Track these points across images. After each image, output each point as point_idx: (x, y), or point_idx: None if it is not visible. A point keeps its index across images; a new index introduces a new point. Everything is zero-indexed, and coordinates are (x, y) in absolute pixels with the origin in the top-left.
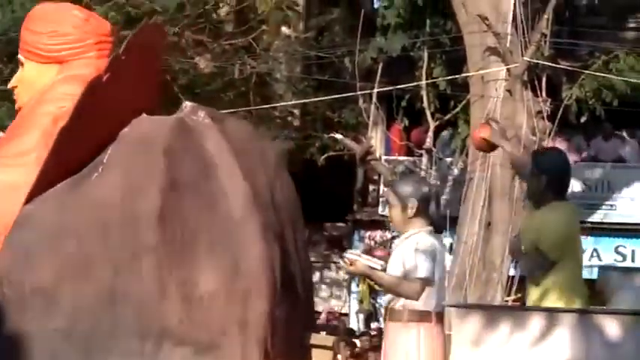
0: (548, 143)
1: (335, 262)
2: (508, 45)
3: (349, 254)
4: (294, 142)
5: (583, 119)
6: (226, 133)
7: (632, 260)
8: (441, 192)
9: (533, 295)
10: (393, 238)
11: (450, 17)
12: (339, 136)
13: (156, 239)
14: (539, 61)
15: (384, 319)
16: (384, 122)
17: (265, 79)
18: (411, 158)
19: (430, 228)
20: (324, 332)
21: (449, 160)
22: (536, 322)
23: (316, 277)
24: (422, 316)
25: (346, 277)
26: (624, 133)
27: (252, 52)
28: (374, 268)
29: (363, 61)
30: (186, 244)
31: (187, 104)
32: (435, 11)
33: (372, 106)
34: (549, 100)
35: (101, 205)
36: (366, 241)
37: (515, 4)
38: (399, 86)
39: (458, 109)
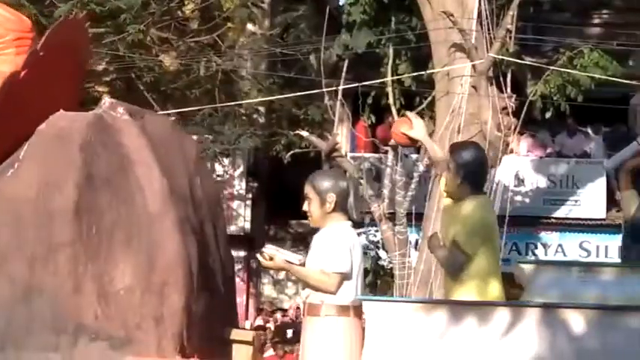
0: (513, 139)
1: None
2: (473, 41)
3: (267, 249)
4: (259, 140)
5: (548, 115)
6: (145, 129)
7: (597, 255)
8: (407, 188)
9: (450, 288)
10: (358, 234)
11: (415, 14)
12: (304, 133)
13: (71, 234)
14: (504, 57)
15: (303, 314)
16: (350, 119)
17: (231, 77)
18: (376, 155)
19: (349, 222)
20: (292, 330)
21: (414, 156)
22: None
23: (282, 274)
24: (340, 310)
25: None
26: (589, 129)
27: (218, 49)
28: (292, 262)
29: (329, 58)
30: (102, 239)
31: (106, 100)
32: (400, 8)
33: (338, 103)
34: (514, 96)
35: (16, 201)
36: None
37: (480, 0)
38: (364, 83)
39: (423, 106)
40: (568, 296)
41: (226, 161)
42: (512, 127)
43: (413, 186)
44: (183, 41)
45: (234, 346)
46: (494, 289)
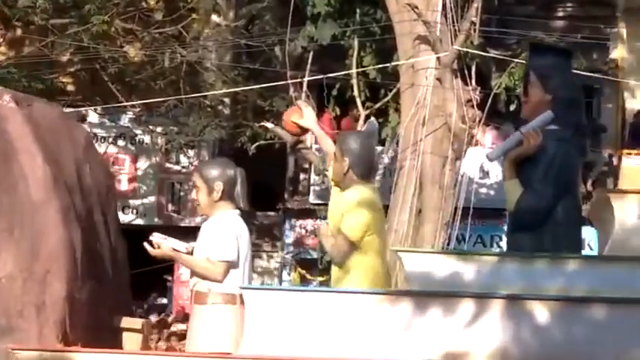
0: (477, 131)
1: (267, 252)
2: (438, 34)
3: (155, 237)
4: (224, 131)
5: (512, 107)
6: (32, 117)
7: None
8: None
9: (336, 276)
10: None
11: (379, 6)
12: (269, 124)
13: None
14: (468, 50)
15: (190, 302)
16: (315, 111)
17: (195, 68)
18: None
19: (237, 211)
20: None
21: (379, 148)
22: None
23: None
24: (227, 298)
25: (277, 265)
26: None
27: (182, 40)
28: (179, 251)
29: (294, 49)
30: None
31: None
32: (365, 0)
33: (303, 95)
34: (479, 88)
35: None
36: (297, 229)
37: None
38: (329, 75)
39: (388, 98)
40: (443, 284)
41: (191, 153)
42: (477, 120)
43: (377, 178)
44: (147, 32)
45: (124, 334)
46: (380, 278)
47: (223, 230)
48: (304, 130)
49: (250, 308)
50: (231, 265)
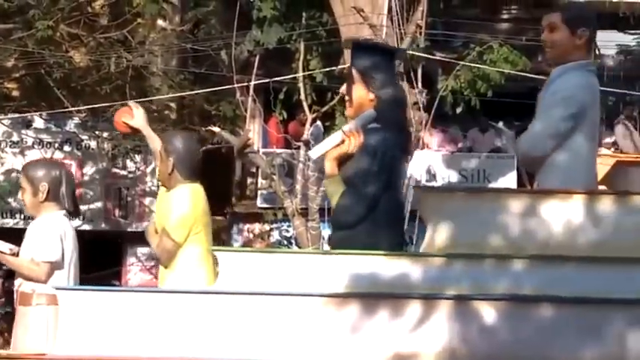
0: (424, 134)
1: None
2: (384, 37)
3: None
4: None
5: (459, 110)
6: None
7: None
8: (319, 184)
9: (162, 276)
10: (271, 230)
11: (326, 9)
12: (216, 129)
13: None
14: (414, 53)
15: (15, 303)
16: (262, 115)
17: (141, 73)
18: (288, 150)
19: (63, 211)
20: None
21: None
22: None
23: None
24: (50, 299)
25: None
26: (501, 124)
27: (128, 45)
28: (3, 252)
29: (240, 53)
30: None
31: None
32: (310, 4)
33: (250, 99)
34: (425, 91)
35: None
36: (245, 233)
37: None
38: (275, 79)
39: (335, 101)
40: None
41: (138, 158)
42: (424, 122)
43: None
44: (93, 37)
45: None
46: (204, 277)
47: (47, 231)
48: (135, 130)
49: (64, 308)
50: (55, 265)
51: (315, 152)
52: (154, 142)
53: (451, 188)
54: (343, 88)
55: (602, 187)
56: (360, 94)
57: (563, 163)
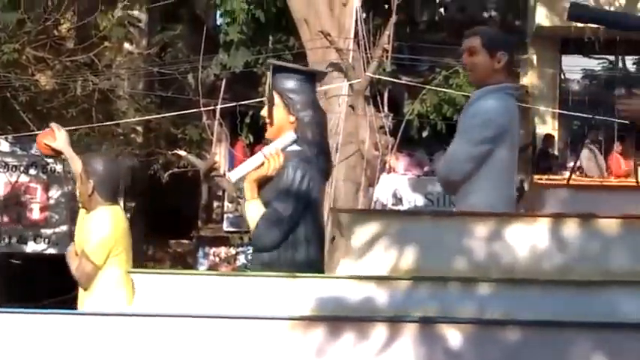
0: (390, 158)
1: None
2: (350, 61)
3: None
4: (137, 159)
5: (425, 134)
6: None
7: None
8: None
9: (81, 299)
10: (237, 254)
11: (292, 33)
12: (182, 152)
13: None
14: (381, 77)
15: None
16: (228, 138)
17: (108, 96)
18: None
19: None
20: None
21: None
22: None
23: None
24: None
25: None
26: None
27: (95, 68)
28: None
29: (206, 77)
30: None
31: None
32: (277, 27)
33: (216, 123)
34: (391, 115)
35: None
36: (211, 257)
37: (356, 20)
38: (242, 102)
39: None
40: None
41: None
42: (390, 146)
43: None
44: (59, 60)
45: None
46: (123, 299)
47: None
48: (57, 152)
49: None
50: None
51: (234, 174)
52: (75, 163)
53: (388, 212)
54: (264, 111)
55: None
56: (281, 116)
57: (481, 186)
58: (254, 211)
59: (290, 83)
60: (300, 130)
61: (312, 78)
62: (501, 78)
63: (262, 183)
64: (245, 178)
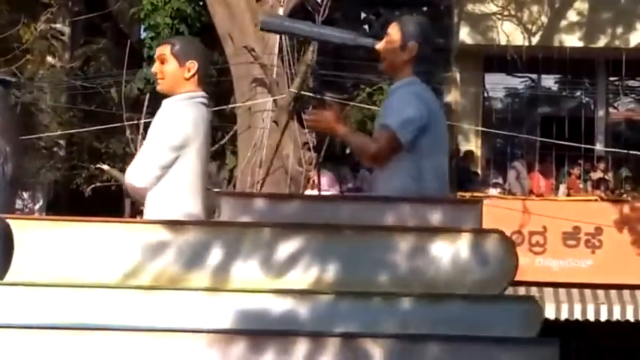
0: (314, 174)
1: None
2: (274, 76)
3: None
4: (60, 173)
5: (348, 150)
6: None
7: None
8: None
9: None
10: None
11: (217, 48)
12: (105, 166)
13: None
14: (304, 93)
15: None
16: None
17: (30, 109)
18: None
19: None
20: None
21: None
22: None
23: None
24: None
25: None
26: None
27: (17, 81)
28: None
29: (130, 91)
30: None
31: None
32: (202, 42)
33: (139, 137)
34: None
35: None
36: None
37: (281, 36)
38: None
39: (225, 140)
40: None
41: (26, 195)
42: (313, 162)
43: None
44: (6, 74)
45: None
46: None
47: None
48: None
49: None
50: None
51: None
52: None
53: None
54: None
55: None
56: None
57: (166, 194)
58: None
59: None
60: None
61: (4, 85)
62: (192, 87)
63: None
64: None
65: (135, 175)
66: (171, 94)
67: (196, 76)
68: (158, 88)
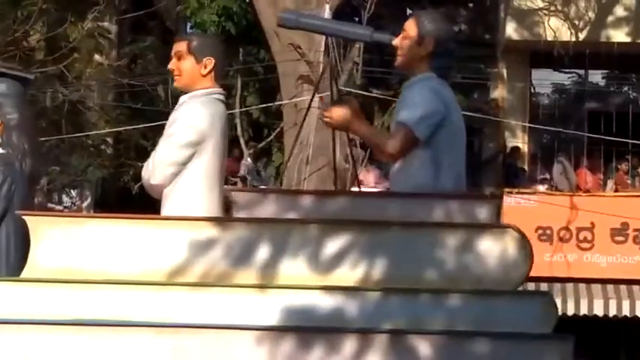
0: (360, 171)
1: None
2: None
3: None
4: (107, 171)
5: None
6: None
7: None
8: None
9: None
10: None
11: (263, 46)
12: None
13: None
14: (351, 89)
15: None
16: None
17: (78, 107)
18: (226, 187)
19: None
20: None
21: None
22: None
23: None
24: None
25: None
26: None
27: (64, 80)
28: None
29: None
30: None
31: None
32: (248, 40)
33: None
34: None
35: None
36: None
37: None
38: None
39: (271, 138)
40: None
41: (74, 193)
42: (360, 159)
43: None
44: (29, 71)
45: None
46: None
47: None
48: None
49: None
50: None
51: None
52: None
53: None
54: None
55: None
56: None
57: (182, 191)
58: None
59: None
60: (5, 133)
61: (23, 82)
62: (209, 84)
63: None
64: None
65: (151, 172)
66: (188, 91)
67: (213, 73)
68: (175, 84)
